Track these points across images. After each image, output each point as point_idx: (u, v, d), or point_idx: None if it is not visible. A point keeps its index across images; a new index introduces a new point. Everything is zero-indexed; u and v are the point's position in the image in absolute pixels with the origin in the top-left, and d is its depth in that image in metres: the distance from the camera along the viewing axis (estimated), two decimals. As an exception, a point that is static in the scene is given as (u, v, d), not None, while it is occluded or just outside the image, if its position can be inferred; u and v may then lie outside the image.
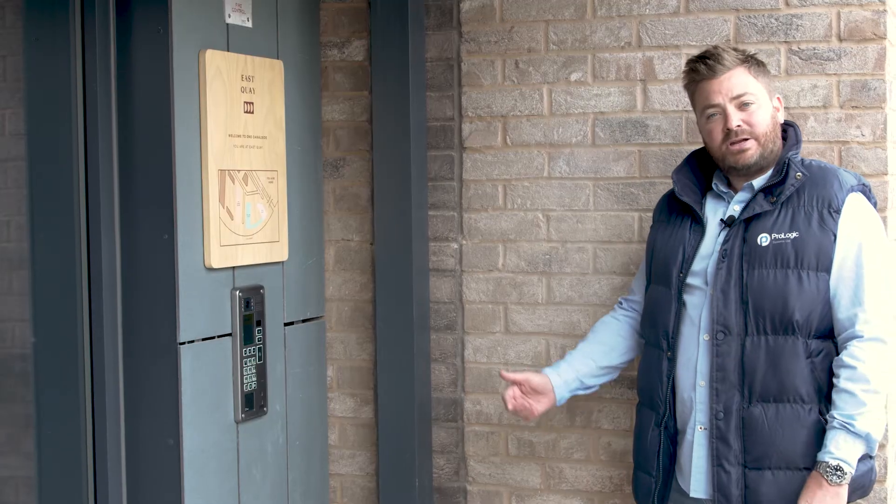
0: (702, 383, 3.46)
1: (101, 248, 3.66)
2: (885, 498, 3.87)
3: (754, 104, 3.46)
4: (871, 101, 3.84)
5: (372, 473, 4.48)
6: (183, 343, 3.67)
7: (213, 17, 3.82)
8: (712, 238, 3.51)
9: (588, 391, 3.86)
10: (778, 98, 3.55)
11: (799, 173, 3.41)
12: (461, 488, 4.39)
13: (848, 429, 3.25)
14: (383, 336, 4.27)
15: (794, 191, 3.41)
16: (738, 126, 3.45)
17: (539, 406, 3.77)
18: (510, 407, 3.76)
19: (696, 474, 3.47)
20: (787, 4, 3.90)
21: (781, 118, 3.56)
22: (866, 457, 3.39)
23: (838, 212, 3.36)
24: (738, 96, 3.46)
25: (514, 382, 3.76)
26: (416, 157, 4.25)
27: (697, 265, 3.50)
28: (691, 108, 3.87)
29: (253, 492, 4.01)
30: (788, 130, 3.57)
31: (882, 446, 3.85)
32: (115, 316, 3.69)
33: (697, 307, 3.49)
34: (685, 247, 3.54)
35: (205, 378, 3.77)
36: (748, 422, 3.38)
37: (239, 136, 3.88)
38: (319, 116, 4.43)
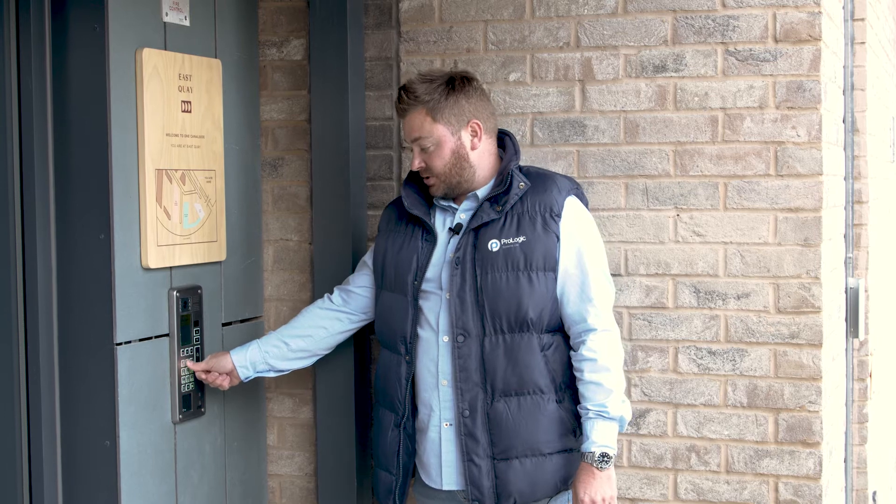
0: (444, 382, 3.65)
1: (36, 249, 3.63)
2: (821, 495, 3.91)
3: (430, 147, 3.65)
4: (807, 102, 3.88)
5: (311, 474, 4.47)
6: (120, 344, 3.65)
7: (150, 15, 3.79)
8: (443, 246, 3.70)
9: (281, 373, 4.03)
10: (475, 123, 3.65)
11: (522, 183, 3.62)
12: (400, 488, 4.38)
13: (603, 416, 3.52)
14: (322, 336, 4.27)
15: (518, 198, 3.60)
16: (419, 167, 3.69)
17: (228, 382, 3.95)
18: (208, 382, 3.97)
19: (447, 468, 3.67)
20: (724, 6, 3.93)
21: (483, 143, 3.67)
22: None
23: (559, 215, 3.60)
24: (416, 139, 3.67)
25: (201, 371, 3.93)
26: (354, 156, 4.24)
27: (431, 272, 3.68)
28: (629, 109, 3.91)
29: (190, 493, 3.99)
30: (505, 139, 3.75)
31: (817, 444, 3.89)
32: (51, 317, 3.67)
33: (434, 311, 3.67)
34: (418, 256, 3.70)
35: (142, 379, 3.74)
36: (493, 417, 3.59)
37: (176, 135, 3.85)
38: (258, 116, 4.41)
